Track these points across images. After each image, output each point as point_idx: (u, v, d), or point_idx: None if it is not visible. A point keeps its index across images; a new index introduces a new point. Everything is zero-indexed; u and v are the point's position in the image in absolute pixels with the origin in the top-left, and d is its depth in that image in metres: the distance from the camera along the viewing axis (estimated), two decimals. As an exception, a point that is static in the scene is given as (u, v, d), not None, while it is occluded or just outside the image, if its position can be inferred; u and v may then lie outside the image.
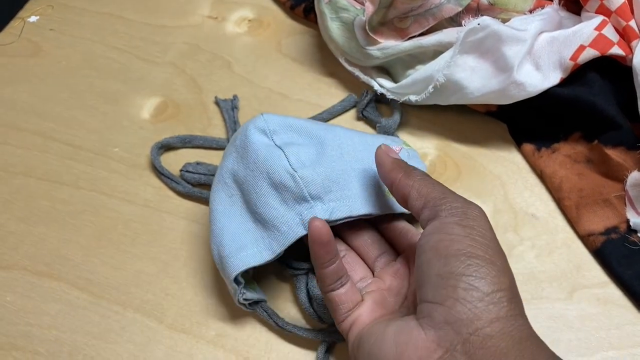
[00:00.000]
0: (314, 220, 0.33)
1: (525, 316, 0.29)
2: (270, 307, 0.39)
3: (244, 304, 0.37)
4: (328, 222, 0.35)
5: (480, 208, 0.32)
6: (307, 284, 0.40)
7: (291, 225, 0.36)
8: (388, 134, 0.47)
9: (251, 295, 0.37)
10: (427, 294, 0.29)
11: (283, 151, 0.37)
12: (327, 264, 0.34)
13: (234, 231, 0.37)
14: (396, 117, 0.47)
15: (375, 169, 0.37)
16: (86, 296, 0.41)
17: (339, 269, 0.34)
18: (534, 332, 0.29)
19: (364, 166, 0.38)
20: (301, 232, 0.36)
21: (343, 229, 0.39)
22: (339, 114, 0.50)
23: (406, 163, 0.35)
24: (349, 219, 0.37)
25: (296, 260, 0.40)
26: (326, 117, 0.49)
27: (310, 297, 0.39)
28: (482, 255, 0.29)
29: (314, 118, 0.49)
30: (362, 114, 0.48)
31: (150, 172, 0.47)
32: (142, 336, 0.39)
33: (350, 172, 0.38)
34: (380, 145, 0.36)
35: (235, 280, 0.36)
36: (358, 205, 0.37)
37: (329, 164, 0.37)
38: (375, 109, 0.48)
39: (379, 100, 0.49)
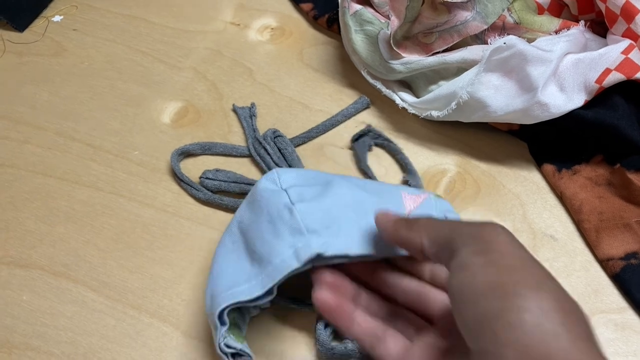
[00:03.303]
0: (314, 293, 0.32)
1: (592, 335, 0.25)
2: None
3: (226, 354, 0.35)
4: (322, 257, 0.34)
5: (495, 224, 0.29)
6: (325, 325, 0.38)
7: (284, 257, 0.34)
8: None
9: (234, 344, 0.35)
10: (473, 345, 0.26)
11: (286, 192, 0.36)
12: (350, 327, 0.32)
13: (230, 272, 0.36)
14: (415, 175, 0.46)
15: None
16: (102, 299, 0.41)
17: (366, 329, 0.32)
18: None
19: (369, 209, 0.36)
20: (294, 265, 0.33)
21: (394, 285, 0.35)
22: (352, 116, 0.50)
23: (407, 218, 0.32)
24: (345, 260, 0.35)
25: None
26: (340, 119, 0.49)
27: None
28: (509, 281, 0.26)
29: (329, 121, 0.49)
30: (353, 145, 0.48)
31: (169, 177, 0.47)
32: (157, 341, 0.40)
33: (351, 212, 0.36)
34: (377, 214, 0.33)
35: (221, 320, 0.34)
36: (356, 244, 0.34)
37: (331, 201, 0.36)
38: (366, 146, 0.47)
39: (381, 145, 0.48)
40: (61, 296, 0.42)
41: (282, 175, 0.37)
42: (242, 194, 0.45)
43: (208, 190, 0.45)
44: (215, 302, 0.35)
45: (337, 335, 0.38)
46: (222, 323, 0.35)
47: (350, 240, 0.35)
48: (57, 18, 0.59)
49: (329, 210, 0.35)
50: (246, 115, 0.50)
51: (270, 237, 0.35)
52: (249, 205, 0.38)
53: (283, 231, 0.34)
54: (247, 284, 0.35)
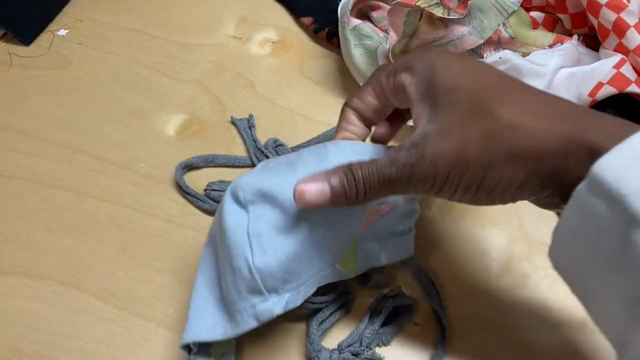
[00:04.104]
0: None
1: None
2: None
3: None
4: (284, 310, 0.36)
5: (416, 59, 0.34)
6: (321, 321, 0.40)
7: (244, 316, 0.35)
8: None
9: None
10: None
11: (248, 234, 0.35)
12: None
13: (201, 293, 0.37)
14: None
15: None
16: (110, 308, 0.42)
17: None
18: None
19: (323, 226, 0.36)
20: (252, 324, 0.35)
21: None
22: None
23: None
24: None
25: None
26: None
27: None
28: None
29: (329, 132, 0.50)
30: None
31: (174, 188, 0.48)
32: (164, 349, 0.41)
33: (309, 245, 0.36)
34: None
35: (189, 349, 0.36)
36: (312, 288, 0.37)
37: (291, 247, 0.35)
38: None
39: None
40: (70, 305, 0.43)
41: (244, 188, 0.36)
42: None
43: (214, 201, 0.46)
44: (185, 333, 0.36)
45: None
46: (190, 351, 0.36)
47: (307, 286, 0.37)
48: (62, 32, 0.60)
49: (287, 265, 0.35)
50: (245, 127, 0.51)
51: (232, 288, 0.35)
52: (219, 223, 0.37)
53: (243, 287, 0.35)
54: (211, 320, 0.36)
